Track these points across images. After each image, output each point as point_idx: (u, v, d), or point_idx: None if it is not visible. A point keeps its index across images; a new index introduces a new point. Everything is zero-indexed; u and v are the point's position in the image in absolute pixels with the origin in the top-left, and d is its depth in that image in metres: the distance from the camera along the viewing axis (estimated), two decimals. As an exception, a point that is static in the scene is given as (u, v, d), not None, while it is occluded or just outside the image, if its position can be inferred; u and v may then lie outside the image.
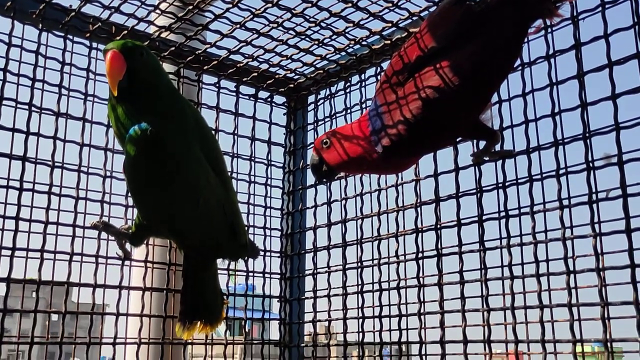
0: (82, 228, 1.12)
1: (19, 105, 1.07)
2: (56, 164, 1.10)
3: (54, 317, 1.17)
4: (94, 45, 1.18)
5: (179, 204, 0.97)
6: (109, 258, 1.14)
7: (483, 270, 1.02)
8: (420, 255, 1.13)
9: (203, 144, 1.00)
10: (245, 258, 1.09)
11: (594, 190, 0.91)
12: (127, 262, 1.16)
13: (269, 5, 1.08)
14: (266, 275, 1.36)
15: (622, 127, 0.87)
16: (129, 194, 1.13)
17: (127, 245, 1.09)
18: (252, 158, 1.38)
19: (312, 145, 1.37)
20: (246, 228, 1.16)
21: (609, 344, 0.88)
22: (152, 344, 1.19)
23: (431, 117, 0.90)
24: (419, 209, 1.15)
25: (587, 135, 0.92)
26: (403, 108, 0.91)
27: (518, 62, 1.00)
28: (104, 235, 1.12)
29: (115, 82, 0.91)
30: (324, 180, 1.12)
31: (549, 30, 0.98)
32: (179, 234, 1.02)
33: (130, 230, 1.05)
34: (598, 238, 0.89)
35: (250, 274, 1.34)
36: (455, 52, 0.88)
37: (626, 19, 0.89)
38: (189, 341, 1.22)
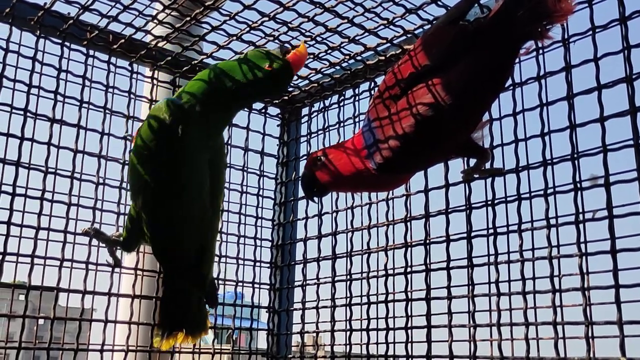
0: (73, 234, 1.12)
1: (14, 111, 1.08)
2: (49, 169, 1.10)
3: (42, 320, 1.17)
4: (91, 52, 1.19)
5: (176, 199, 0.97)
6: (99, 265, 1.14)
7: (470, 287, 1.03)
8: (409, 269, 1.14)
9: (213, 166, 1.02)
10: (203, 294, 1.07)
11: (580, 210, 0.92)
12: (117, 270, 1.16)
13: (266, 19, 1.09)
14: (255, 285, 1.37)
15: (609, 149, 0.89)
16: (126, 182, 1.12)
17: (118, 253, 1.09)
18: (245, 168, 1.39)
19: (305, 158, 1.39)
20: (214, 275, 1.17)
21: (592, 363, 0.89)
22: (139, 352, 1.20)
23: (424, 135, 0.91)
24: (408, 223, 1.16)
25: (575, 156, 0.93)
26: (396, 125, 0.92)
27: (509, 82, 1.02)
28: (94, 242, 1.12)
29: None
30: (315, 198, 1.13)
31: (540, 51, 0.99)
32: (162, 231, 1.00)
33: (121, 237, 1.05)
34: (584, 258, 0.91)
35: (240, 284, 1.34)
36: (448, 71, 0.89)
37: (616, 44, 0.91)
38: (177, 350, 1.22)
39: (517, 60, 0.94)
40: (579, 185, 0.92)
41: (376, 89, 1.01)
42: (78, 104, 1.16)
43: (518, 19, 0.86)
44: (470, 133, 0.96)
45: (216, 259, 1.30)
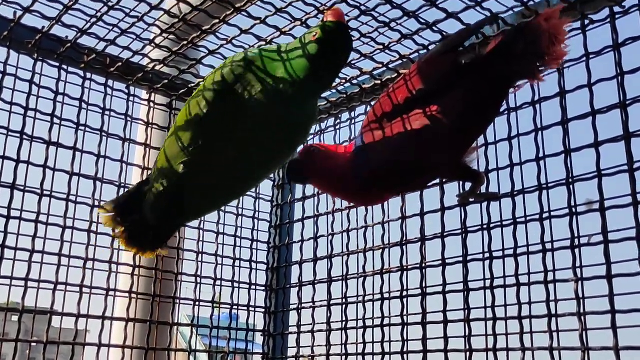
0: (68, 257, 1.12)
1: (10, 134, 1.08)
2: (45, 192, 1.10)
3: (35, 342, 1.17)
4: (88, 75, 1.19)
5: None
6: (93, 288, 1.14)
7: (466, 311, 1.03)
8: (405, 293, 1.14)
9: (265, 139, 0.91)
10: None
11: (576, 235, 0.92)
12: (111, 293, 1.15)
13: (262, 43, 1.10)
14: (251, 308, 1.36)
15: (604, 174, 0.90)
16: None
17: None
18: (241, 191, 1.39)
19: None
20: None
21: (589, 389, 0.89)
22: (133, 376, 1.19)
23: (412, 157, 0.92)
24: (404, 247, 1.16)
25: (571, 180, 0.94)
26: (387, 146, 0.93)
27: (504, 106, 1.03)
28: (89, 264, 1.13)
29: None
30: (295, 181, 1.15)
31: (535, 77, 1.00)
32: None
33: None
34: (580, 283, 0.91)
35: (235, 307, 1.34)
36: (440, 99, 0.90)
37: (610, 70, 0.92)
38: (171, 374, 1.21)
39: (509, 93, 0.95)
40: (574, 210, 0.93)
41: (370, 109, 1.01)
42: (74, 126, 1.16)
43: (513, 59, 0.87)
44: (459, 159, 0.96)
45: (211, 281, 1.30)
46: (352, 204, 1.24)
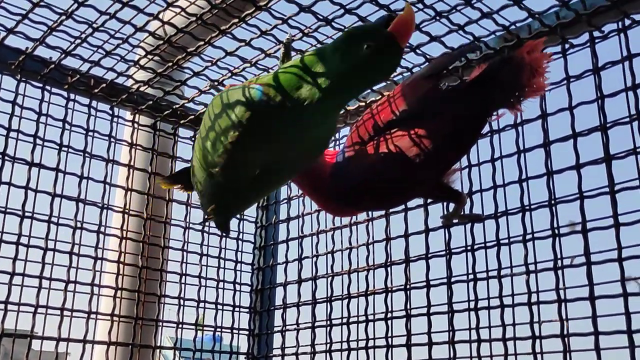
0: (49, 280, 1.10)
1: (-9, 155, 1.07)
2: (26, 214, 1.09)
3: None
4: (72, 96, 1.19)
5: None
6: (74, 311, 1.12)
7: (451, 332, 1.03)
8: (389, 315, 1.13)
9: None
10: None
11: (559, 256, 0.93)
12: (92, 316, 1.14)
13: (247, 65, 1.10)
14: (234, 331, 1.35)
15: (585, 196, 0.91)
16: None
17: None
18: (225, 212, 1.38)
19: (285, 202, 1.39)
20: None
21: (573, 411, 0.89)
22: (114, 401, 1.17)
23: (390, 176, 0.93)
24: (389, 268, 1.16)
25: (553, 202, 0.95)
26: (366, 163, 0.94)
27: (487, 128, 1.04)
28: (70, 287, 1.11)
29: None
30: None
31: (517, 99, 1.01)
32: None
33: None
34: (563, 304, 0.91)
35: (218, 329, 1.32)
36: (422, 121, 0.91)
37: (590, 93, 0.93)
38: (153, 398, 1.20)
39: (489, 119, 0.96)
40: (557, 231, 0.93)
41: (352, 128, 1.02)
42: (57, 147, 1.15)
43: (494, 88, 0.88)
44: (438, 180, 0.96)
45: (194, 303, 1.29)
46: (337, 224, 1.25)
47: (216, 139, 0.84)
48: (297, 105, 0.79)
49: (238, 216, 1.41)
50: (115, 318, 1.19)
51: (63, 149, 1.16)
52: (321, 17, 0.96)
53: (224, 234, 0.98)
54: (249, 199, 0.96)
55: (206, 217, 0.96)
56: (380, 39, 0.75)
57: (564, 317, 0.90)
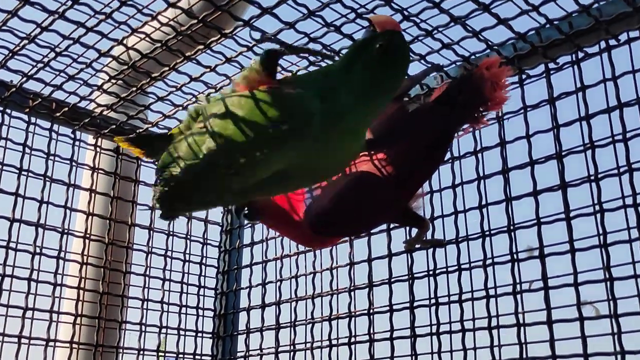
0: (6, 307, 1.08)
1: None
2: (-16, 239, 1.07)
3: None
4: (33, 120, 1.17)
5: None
6: (32, 338, 1.10)
7: (413, 357, 1.04)
8: (353, 339, 1.14)
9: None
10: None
11: (518, 281, 0.95)
12: (50, 344, 1.11)
13: (212, 90, 1.11)
14: (197, 357, 1.34)
15: (543, 222, 0.93)
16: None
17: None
18: (188, 236, 1.38)
19: (249, 226, 1.39)
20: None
21: None
22: None
23: (355, 203, 0.94)
24: (352, 293, 1.16)
25: (512, 228, 0.97)
26: (331, 192, 0.94)
27: (448, 155, 1.06)
28: (28, 314, 1.09)
29: None
30: (245, 219, 1.15)
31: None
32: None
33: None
34: (522, 328, 0.93)
35: (181, 355, 1.31)
36: (387, 145, 0.92)
37: (546, 121, 0.97)
38: None
39: (454, 138, 0.98)
40: (515, 256, 0.96)
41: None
42: (17, 171, 1.14)
43: (457, 105, 0.90)
44: (403, 206, 0.98)
45: (156, 329, 1.28)
46: (301, 249, 1.25)
47: (250, 140, 0.76)
48: (336, 109, 0.76)
49: (201, 240, 1.40)
50: (74, 345, 1.16)
51: (23, 173, 1.14)
52: (287, 45, 0.97)
53: (167, 219, 0.88)
54: (238, 197, 0.87)
55: (156, 198, 0.84)
56: (385, 36, 0.75)
57: (523, 341, 0.92)
